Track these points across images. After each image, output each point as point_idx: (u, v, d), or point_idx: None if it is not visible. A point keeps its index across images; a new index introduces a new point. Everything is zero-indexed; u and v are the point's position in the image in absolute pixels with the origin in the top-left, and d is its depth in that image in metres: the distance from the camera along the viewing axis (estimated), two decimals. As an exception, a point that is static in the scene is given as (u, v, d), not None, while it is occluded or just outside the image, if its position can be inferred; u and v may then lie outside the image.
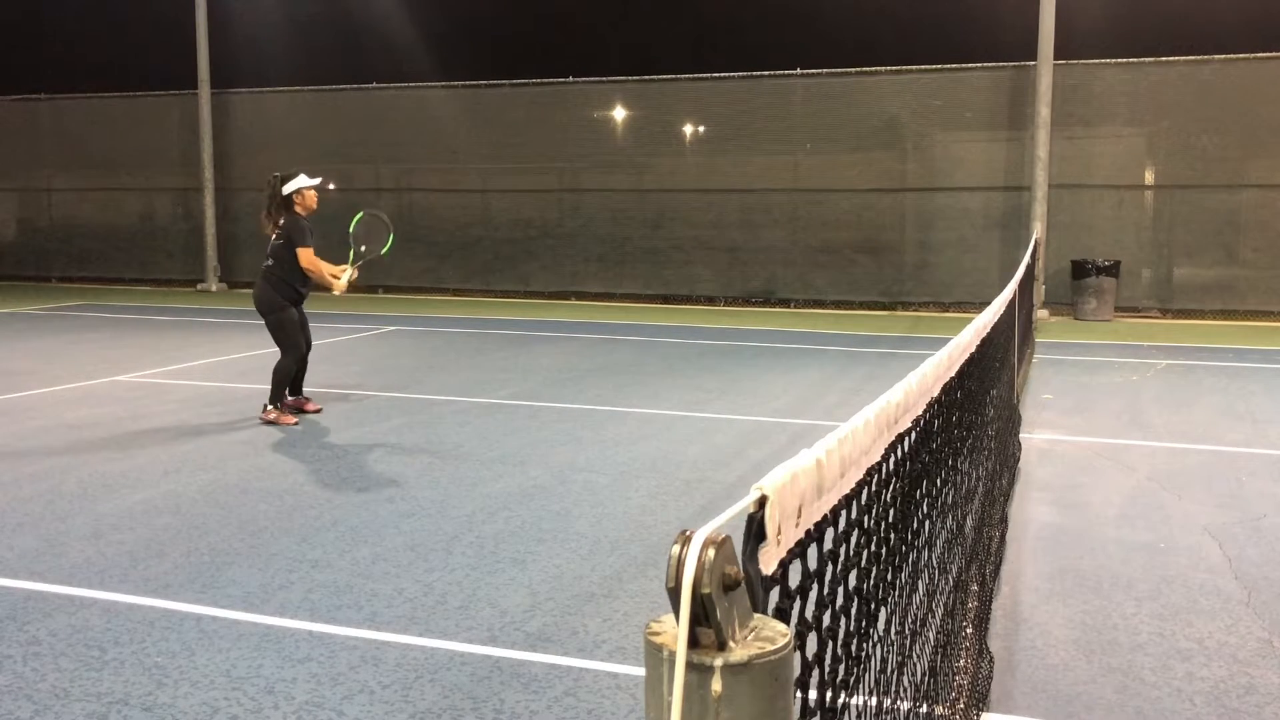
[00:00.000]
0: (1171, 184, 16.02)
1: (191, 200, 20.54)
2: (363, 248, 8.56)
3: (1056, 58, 15.71)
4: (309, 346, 8.19)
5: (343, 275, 8.23)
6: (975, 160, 16.84)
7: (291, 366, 7.96)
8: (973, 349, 3.40)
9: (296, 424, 7.84)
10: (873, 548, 1.67)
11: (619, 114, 18.77)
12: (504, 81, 18.97)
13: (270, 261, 7.96)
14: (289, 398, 8.18)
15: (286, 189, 7.94)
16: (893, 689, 1.91)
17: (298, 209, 7.96)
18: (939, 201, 16.89)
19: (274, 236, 7.97)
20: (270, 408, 7.90)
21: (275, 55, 24.22)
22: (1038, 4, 15.65)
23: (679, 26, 25.03)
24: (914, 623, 2.21)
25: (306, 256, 7.85)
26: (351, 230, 8.55)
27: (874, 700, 1.72)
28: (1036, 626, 4.20)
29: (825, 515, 1.32)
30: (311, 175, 8.10)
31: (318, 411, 8.27)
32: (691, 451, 7.12)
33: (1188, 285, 16.01)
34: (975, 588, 3.78)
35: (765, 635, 0.95)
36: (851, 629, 1.52)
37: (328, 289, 8.23)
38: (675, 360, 11.38)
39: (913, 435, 2.03)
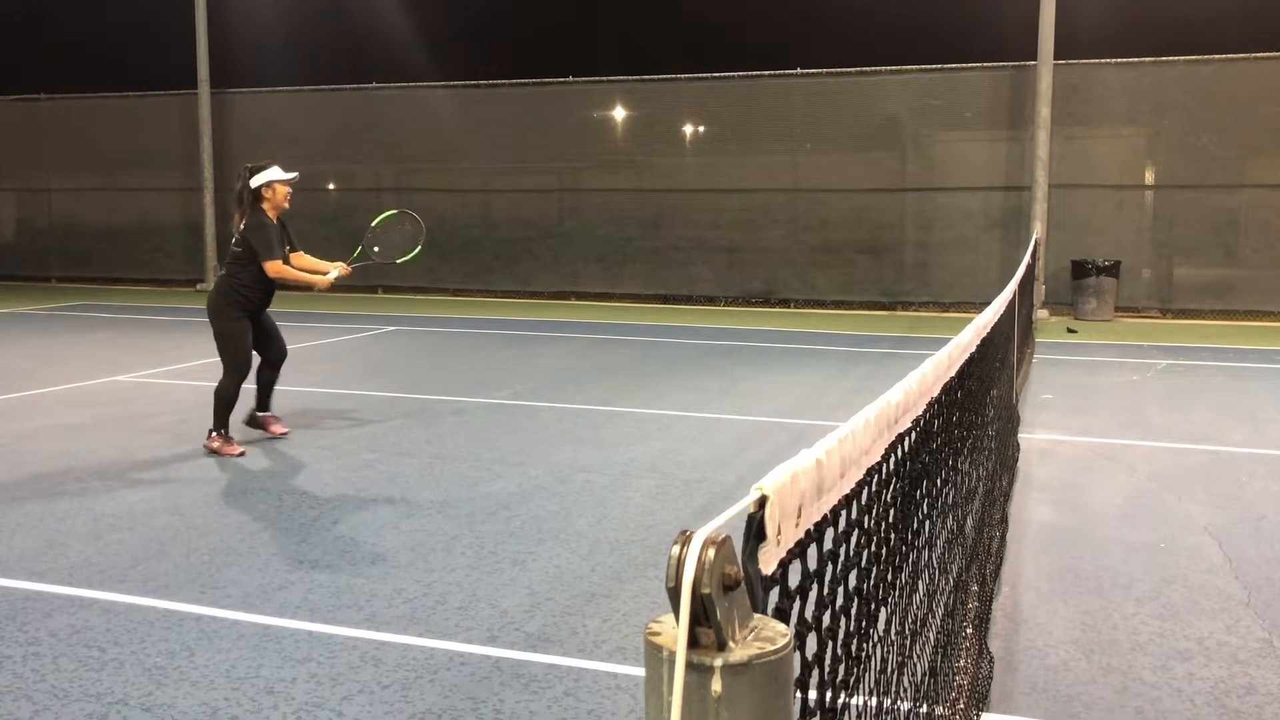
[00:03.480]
0: (1171, 184, 16.01)
1: (191, 200, 20.53)
2: (375, 248, 7.64)
3: (1056, 58, 15.71)
4: (283, 355, 7.36)
5: (331, 271, 7.26)
6: (975, 160, 16.84)
7: (232, 388, 6.93)
8: (973, 349, 3.40)
9: (242, 454, 6.88)
10: (873, 548, 1.67)
11: (619, 114, 18.77)
12: (504, 81, 18.96)
13: (224, 270, 7.08)
14: (257, 412, 7.42)
15: (255, 181, 6.97)
16: (893, 689, 1.91)
17: (265, 205, 6.99)
18: (939, 201, 16.89)
19: (233, 240, 7.05)
20: (214, 434, 6.92)
21: (275, 55, 24.23)
22: (1038, 4, 15.65)
23: (679, 26, 25.02)
24: (914, 623, 2.21)
25: (274, 269, 6.91)
26: (373, 224, 7.70)
27: (874, 700, 1.72)
28: (1036, 626, 4.20)
29: (825, 515, 1.32)
30: (287, 169, 7.12)
31: (283, 435, 7.38)
32: (691, 451, 7.12)
33: (1188, 285, 16.00)
34: (975, 588, 3.78)
35: (765, 635, 0.95)
36: (851, 629, 1.52)
37: (308, 288, 7.41)
38: (675, 360, 11.38)
39: (913, 435, 2.03)
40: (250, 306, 7.03)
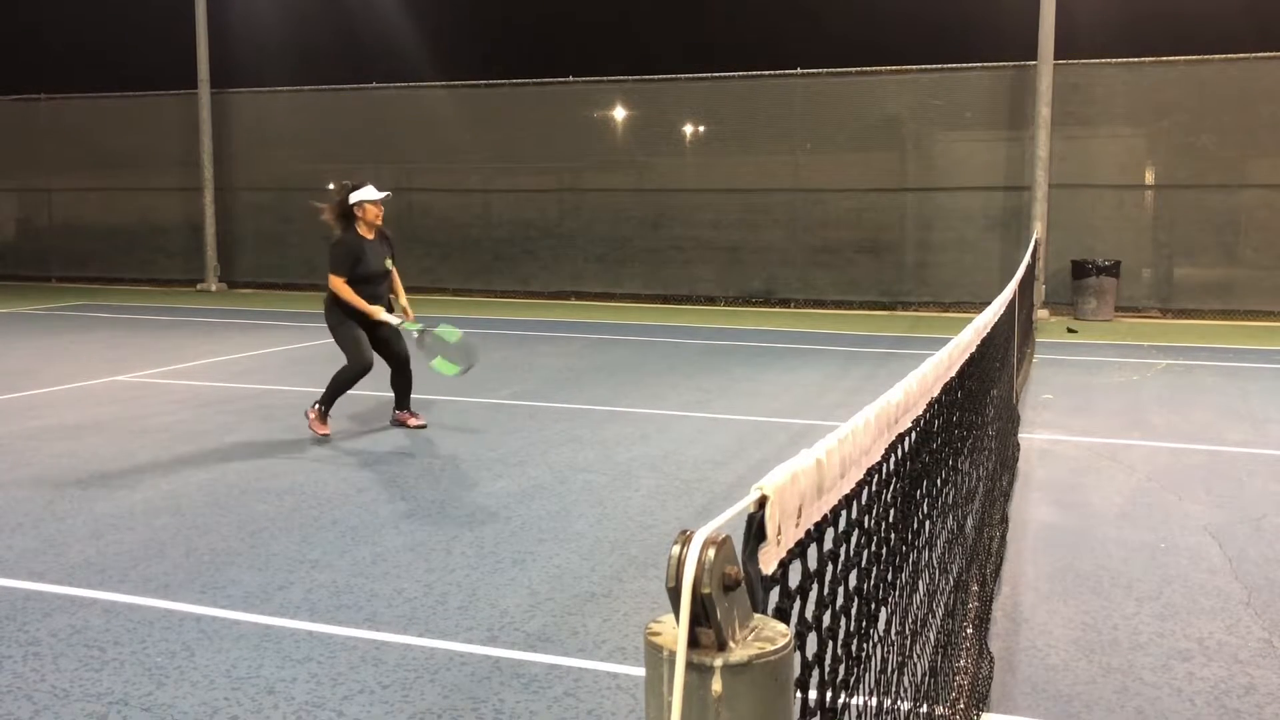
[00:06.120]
0: (1171, 184, 16.02)
1: (191, 200, 20.54)
2: (428, 338, 7.77)
3: (1056, 58, 15.72)
4: (400, 360, 7.70)
5: (385, 316, 7.60)
6: (975, 160, 16.85)
7: (347, 376, 7.43)
8: (973, 349, 3.40)
9: (327, 435, 7.42)
10: (873, 548, 1.66)
11: (619, 114, 18.77)
12: (504, 81, 18.97)
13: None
14: (395, 410, 7.87)
15: (351, 199, 7.49)
16: (893, 689, 1.91)
17: (358, 224, 7.50)
18: (939, 201, 16.89)
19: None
20: (315, 406, 7.50)
21: (275, 55, 24.24)
22: (1038, 4, 15.65)
23: (679, 26, 25.03)
24: (914, 623, 2.21)
25: (335, 283, 7.39)
26: (436, 330, 7.78)
27: (874, 700, 1.72)
28: (1036, 626, 4.20)
29: (825, 515, 1.32)
30: (379, 189, 7.64)
31: (421, 428, 7.77)
32: (691, 451, 7.12)
33: (1188, 285, 16.01)
34: (975, 588, 3.78)
35: (765, 635, 0.95)
36: (851, 629, 1.52)
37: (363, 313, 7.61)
38: (675, 360, 11.38)
39: (913, 435, 2.03)
40: (350, 312, 7.46)
